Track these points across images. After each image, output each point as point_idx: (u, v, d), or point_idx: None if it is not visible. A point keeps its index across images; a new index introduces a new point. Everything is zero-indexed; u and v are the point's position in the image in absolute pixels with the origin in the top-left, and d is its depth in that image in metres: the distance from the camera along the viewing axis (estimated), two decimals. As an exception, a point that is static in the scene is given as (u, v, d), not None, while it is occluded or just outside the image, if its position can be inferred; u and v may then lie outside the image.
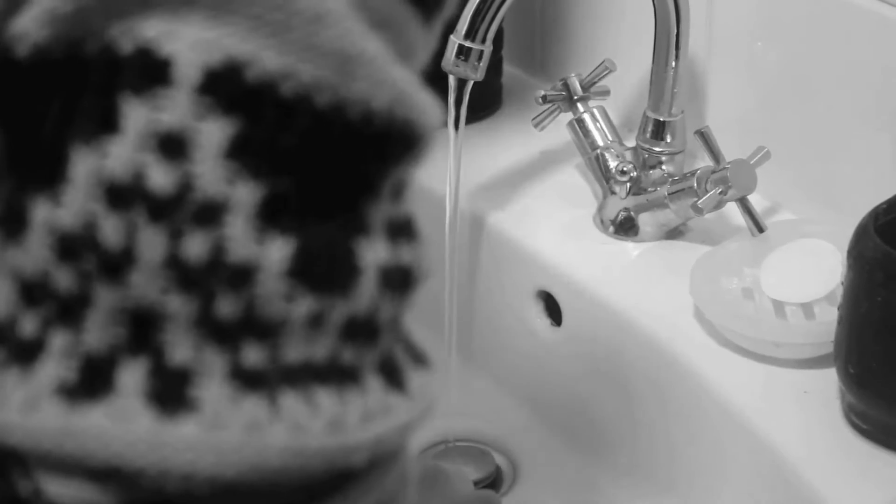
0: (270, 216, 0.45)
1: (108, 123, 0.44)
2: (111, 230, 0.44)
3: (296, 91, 0.45)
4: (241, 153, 0.44)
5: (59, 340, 0.45)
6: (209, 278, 0.45)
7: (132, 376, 0.45)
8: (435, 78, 1.02)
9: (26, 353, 0.46)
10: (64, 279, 0.45)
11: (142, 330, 0.45)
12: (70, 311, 0.45)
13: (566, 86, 1.11)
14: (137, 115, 0.44)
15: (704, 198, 1.02)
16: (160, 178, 0.44)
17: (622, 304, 1.03)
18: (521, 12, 1.27)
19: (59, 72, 0.45)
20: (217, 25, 0.44)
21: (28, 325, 0.46)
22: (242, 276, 0.45)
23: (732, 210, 1.05)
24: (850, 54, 1.01)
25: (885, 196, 0.88)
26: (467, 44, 1.00)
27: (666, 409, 1.00)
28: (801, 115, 1.06)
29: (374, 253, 0.47)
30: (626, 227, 1.09)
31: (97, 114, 0.45)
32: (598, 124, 1.11)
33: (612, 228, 1.10)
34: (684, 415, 0.99)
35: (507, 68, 1.28)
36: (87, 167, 0.44)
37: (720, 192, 1.02)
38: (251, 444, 0.45)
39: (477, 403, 1.14)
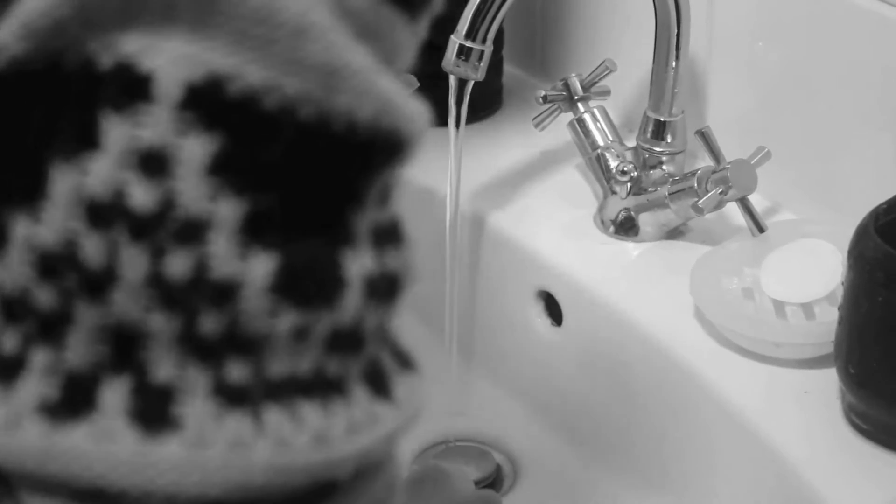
0: (254, 232, 0.45)
1: (87, 140, 0.44)
2: (92, 249, 0.44)
3: (279, 105, 0.44)
4: (224, 169, 0.44)
5: (40, 358, 0.45)
6: (192, 296, 0.44)
7: (115, 394, 0.45)
8: (435, 78, 1.02)
9: (7, 370, 0.45)
10: (44, 297, 0.45)
11: (124, 347, 0.45)
12: (51, 328, 0.45)
13: (567, 86, 1.11)
14: (118, 132, 0.44)
15: (705, 198, 1.02)
16: (141, 195, 0.44)
17: (622, 303, 1.03)
18: (521, 12, 1.27)
19: (39, 85, 0.44)
20: (199, 40, 0.44)
21: (8, 342, 0.45)
22: (225, 293, 0.44)
23: (733, 210, 1.05)
24: (850, 54, 1.01)
25: (885, 196, 0.88)
26: (468, 44, 1.00)
27: (666, 408, 1.00)
28: (801, 115, 1.06)
29: (359, 263, 0.47)
30: (626, 227, 1.09)
31: (77, 130, 0.44)
32: (598, 124, 1.11)
33: (612, 228, 1.10)
34: (684, 415, 0.99)
35: (508, 68, 1.28)
36: (66, 184, 0.44)
37: (720, 192, 1.02)
38: (235, 462, 0.45)
39: (477, 403, 1.14)
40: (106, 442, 0.44)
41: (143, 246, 0.44)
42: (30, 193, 0.44)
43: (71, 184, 0.44)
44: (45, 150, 0.44)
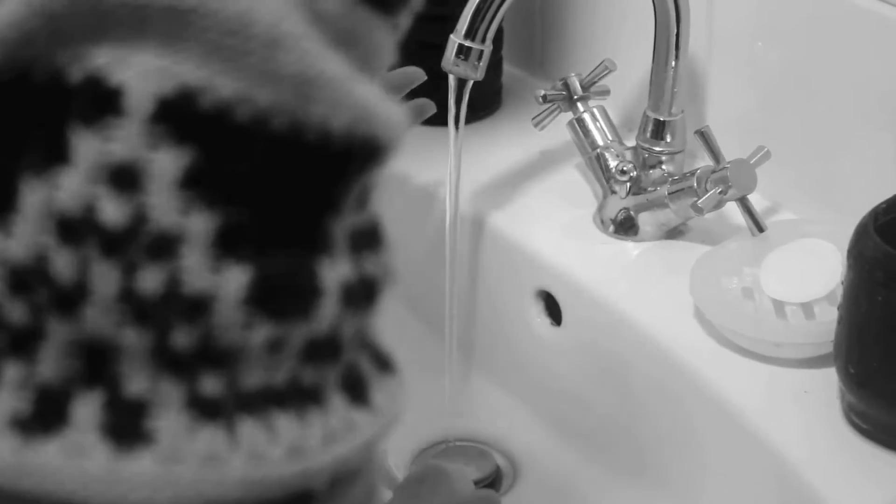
0: (227, 245, 0.44)
1: (57, 154, 0.43)
2: (63, 264, 0.44)
3: (252, 116, 0.44)
4: (196, 183, 0.44)
5: (11, 372, 0.45)
6: (164, 310, 0.44)
7: (87, 409, 0.44)
8: (435, 77, 1.02)
9: None
10: (16, 311, 0.44)
11: (97, 362, 0.44)
12: (23, 343, 0.45)
13: (566, 85, 1.11)
14: (88, 146, 0.43)
15: (704, 197, 1.02)
16: (112, 210, 0.43)
17: (622, 303, 1.03)
18: (521, 12, 1.27)
19: (7, 97, 0.44)
20: (170, 53, 0.43)
21: None
22: (198, 307, 0.44)
23: (732, 210, 1.05)
24: (850, 54, 1.01)
25: (885, 196, 0.88)
26: (467, 43, 1.00)
27: (665, 408, 1.00)
28: (801, 115, 1.06)
29: (336, 271, 0.46)
30: (626, 227, 1.09)
31: (47, 144, 0.44)
32: (598, 124, 1.11)
33: (612, 228, 1.10)
34: (684, 414, 0.99)
35: (507, 68, 1.28)
36: (37, 199, 0.43)
37: (720, 192, 1.02)
38: (209, 477, 0.45)
39: (476, 403, 1.14)
40: (78, 457, 0.44)
41: (115, 261, 0.44)
42: (0, 207, 0.44)
43: (41, 198, 0.43)
44: (15, 164, 0.44)
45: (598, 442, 1.07)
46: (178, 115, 0.43)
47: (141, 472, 0.44)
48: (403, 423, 1.17)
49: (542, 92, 1.11)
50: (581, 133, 1.11)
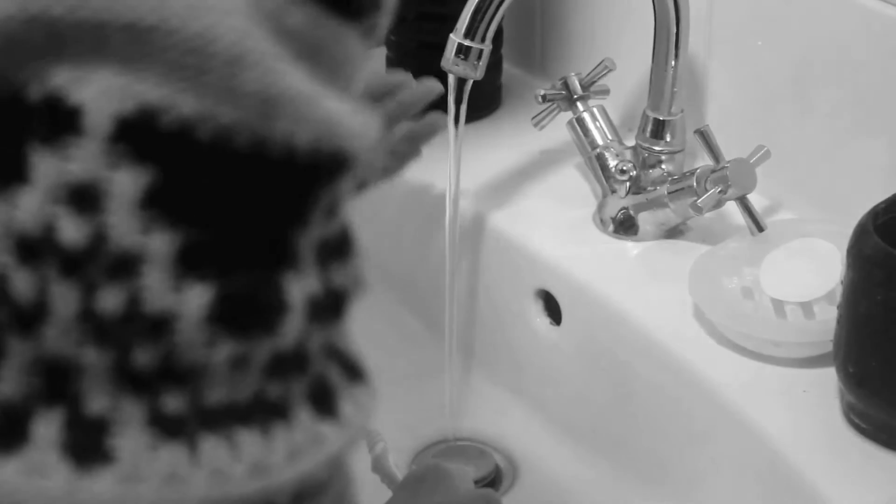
0: (189, 263, 0.44)
1: (16, 174, 0.43)
2: (22, 284, 0.43)
3: (214, 133, 0.44)
4: (156, 202, 0.43)
5: None
6: (125, 330, 0.44)
7: (47, 427, 0.44)
8: (436, 77, 1.02)
9: None
10: None
11: (57, 380, 0.44)
12: None
13: (566, 85, 1.11)
14: (47, 166, 0.43)
15: (704, 197, 1.02)
16: (71, 230, 0.43)
17: (622, 303, 1.03)
18: (520, 11, 1.27)
19: None
20: (130, 71, 0.43)
21: None
22: (160, 326, 0.44)
23: (732, 209, 1.05)
24: (850, 53, 1.01)
25: (884, 195, 0.88)
26: (467, 43, 1.00)
27: (665, 407, 1.00)
28: (800, 115, 1.06)
29: (302, 285, 0.46)
30: (625, 227, 1.09)
31: (5, 163, 0.43)
32: (597, 123, 1.11)
33: (611, 227, 1.10)
34: (683, 413, 0.99)
35: (507, 67, 1.28)
36: None
37: (720, 192, 1.02)
38: (170, 496, 0.45)
39: (477, 403, 1.14)
40: (37, 476, 0.44)
41: (74, 281, 0.43)
42: None
43: (0, 218, 0.43)
44: None
45: (598, 441, 1.07)
46: (138, 135, 0.43)
47: (101, 492, 0.44)
48: (403, 423, 1.17)
49: (542, 91, 1.11)
50: (581, 133, 1.11)
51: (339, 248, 0.48)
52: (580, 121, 1.11)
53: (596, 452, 1.07)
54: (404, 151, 0.94)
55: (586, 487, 1.06)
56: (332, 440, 0.48)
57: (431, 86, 0.93)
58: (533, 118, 1.12)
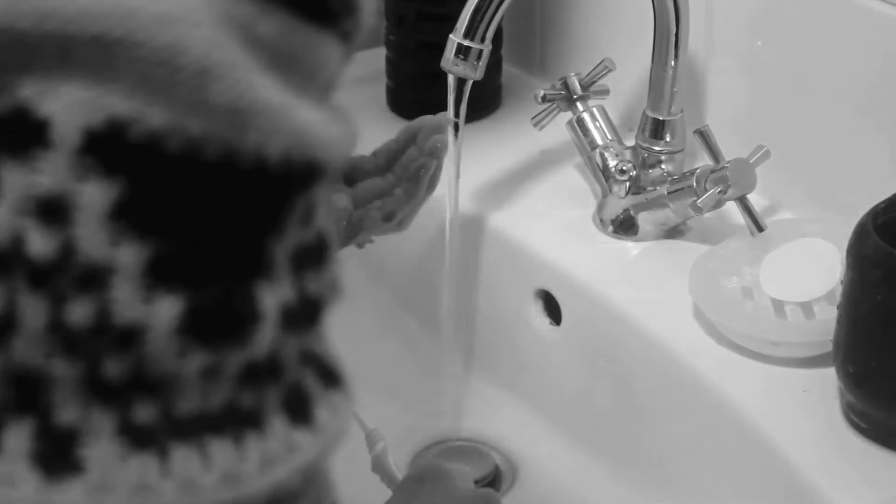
0: (159, 275, 0.44)
1: None
2: None
3: (184, 145, 0.44)
4: (126, 214, 0.43)
5: None
6: (95, 341, 0.44)
7: (17, 438, 0.44)
8: (434, 77, 1.02)
9: None
10: None
11: (27, 391, 0.44)
12: None
13: (565, 85, 1.11)
14: (14, 179, 0.43)
15: (704, 197, 1.02)
16: (40, 243, 0.43)
17: (621, 303, 1.03)
18: (520, 11, 1.27)
19: None
20: (98, 83, 0.43)
21: None
22: (129, 338, 0.44)
23: (732, 209, 1.05)
24: (849, 53, 1.01)
25: (884, 195, 0.88)
26: (466, 43, 1.00)
27: (665, 408, 1.00)
28: (800, 114, 1.06)
29: (275, 295, 0.46)
30: (625, 227, 1.09)
31: None
32: (597, 123, 1.11)
33: (611, 228, 1.10)
34: (683, 414, 0.99)
35: (507, 67, 1.28)
36: None
37: (719, 192, 1.02)
38: None
39: (477, 403, 1.14)
40: (7, 487, 0.44)
41: (43, 293, 0.43)
42: None
43: None
44: None
45: (598, 441, 1.07)
46: (107, 147, 0.43)
47: (70, 502, 0.44)
48: (403, 423, 1.17)
49: (542, 91, 1.11)
50: (580, 133, 1.11)
51: (314, 256, 0.48)
52: (580, 121, 1.11)
53: (596, 452, 1.07)
54: (417, 166, 0.95)
55: (586, 487, 1.06)
56: (305, 447, 0.48)
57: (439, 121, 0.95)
58: (533, 118, 1.12)
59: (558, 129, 1.13)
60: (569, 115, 1.12)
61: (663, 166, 1.08)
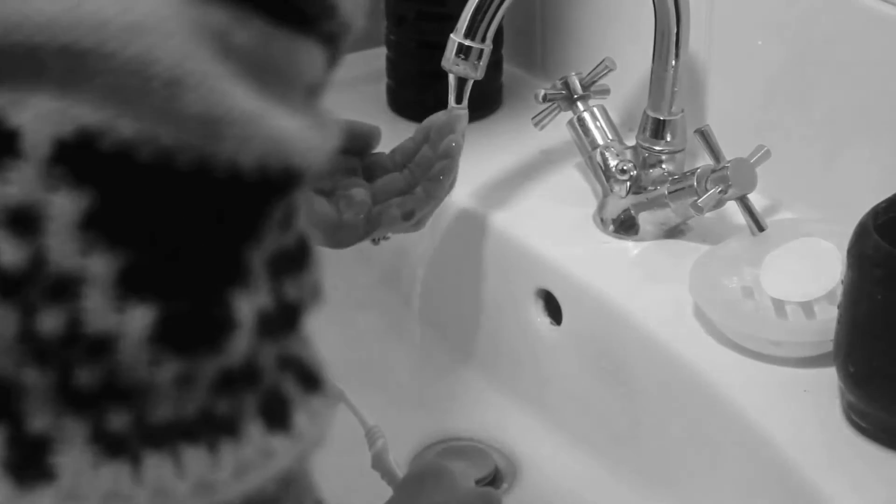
0: (131, 284, 0.44)
1: None
2: None
3: (156, 155, 0.44)
4: (96, 224, 0.43)
5: None
6: (66, 351, 0.44)
7: None
8: (435, 76, 1.02)
9: None
10: None
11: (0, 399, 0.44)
12: None
13: (566, 84, 1.11)
14: None
15: (704, 196, 1.02)
16: (10, 253, 0.43)
17: (622, 302, 1.03)
18: (521, 11, 1.27)
19: None
20: (68, 94, 0.43)
21: None
22: (101, 347, 0.44)
23: (732, 209, 1.05)
24: (850, 53, 1.01)
25: (884, 194, 0.88)
26: (467, 42, 1.00)
27: (666, 407, 1.00)
28: (801, 114, 1.06)
29: (251, 302, 0.46)
30: (626, 226, 1.09)
31: None
32: (598, 123, 1.11)
33: (612, 227, 1.10)
34: (684, 413, 0.99)
35: (507, 67, 1.28)
36: None
37: (720, 191, 1.02)
38: None
39: (477, 402, 1.14)
40: None
41: (14, 303, 0.43)
42: None
43: None
44: None
45: (598, 441, 1.06)
46: (77, 157, 0.43)
47: None
48: (403, 423, 1.17)
49: (542, 91, 1.11)
50: (581, 132, 1.11)
51: (293, 261, 0.48)
52: (580, 120, 1.11)
53: (596, 452, 1.07)
54: (440, 168, 0.96)
55: (586, 487, 1.06)
56: (282, 454, 0.48)
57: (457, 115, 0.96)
58: (533, 118, 1.12)
59: (559, 128, 1.13)
60: (569, 114, 1.12)
61: (664, 166, 1.08)
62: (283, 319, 0.48)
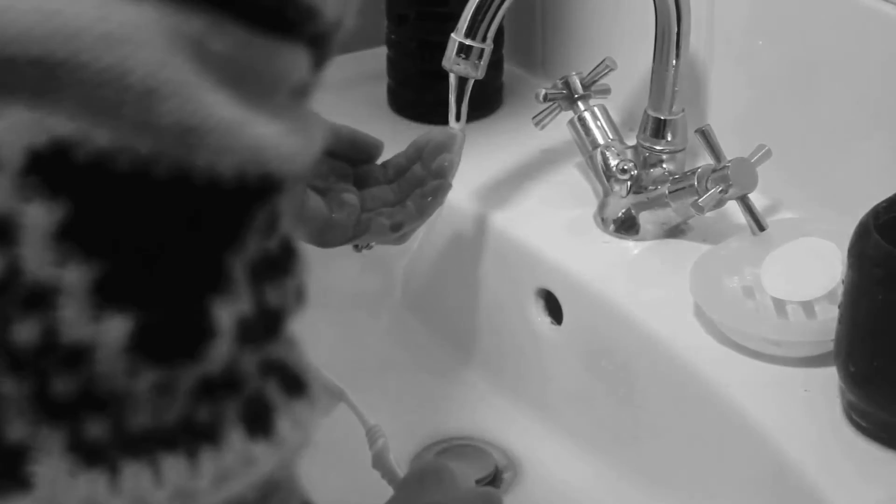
0: (107, 294, 0.44)
1: None
2: None
3: (132, 164, 0.43)
4: (72, 234, 0.43)
5: None
6: (42, 360, 0.44)
7: None
8: (436, 76, 1.02)
9: None
10: None
11: None
12: None
13: (567, 84, 1.11)
14: None
15: (705, 196, 1.02)
16: None
17: (623, 302, 1.03)
18: (521, 10, 1.27)
19: None
20: (41, 105, 0.43)
21: None
22: (77, 357, 0.44)
23: (733, 208, 1.05)
24: (851, 52, 1.01)
25: (885, 194, 0.88)
26: (468, 42, 1.00)
27: (666, 407, 1.00)
28: (801, 114, 1.06)
29: (231, 309, 0.46)
30: (626, 226, 1.09)
31: None
32: (598, 123, 1.11)
33: (612, 227, 1.10)
34: (684, 413, 0.99)
35: (508, 67, 1.28)
36: None
37: (721, 191, 1.02)
38: None
39: (477, 402, 1.14)
40: None
41: None
42: None
43: None
44: None
45: (598, 441, 1.06)
46: (51, 168, 0.43)
47: None
48: (403, 423, 1.17)
49: (543, 91, 1.11)
50: (582, 132, 1.11)
51: (276, 266, 0.48)
52: (581, 120, 1.11)
53: (596, 452, 1.07)
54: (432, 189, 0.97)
55: (586, 487, 1.06)
56: (264, 461, 0.47)
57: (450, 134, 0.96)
58: (534, 118, 1.12)
59: (559, 128, 1.12)
60: (570, 114, 1.12)
61: (664, 165, 1.08)
62: (265, 325, 0.47)
